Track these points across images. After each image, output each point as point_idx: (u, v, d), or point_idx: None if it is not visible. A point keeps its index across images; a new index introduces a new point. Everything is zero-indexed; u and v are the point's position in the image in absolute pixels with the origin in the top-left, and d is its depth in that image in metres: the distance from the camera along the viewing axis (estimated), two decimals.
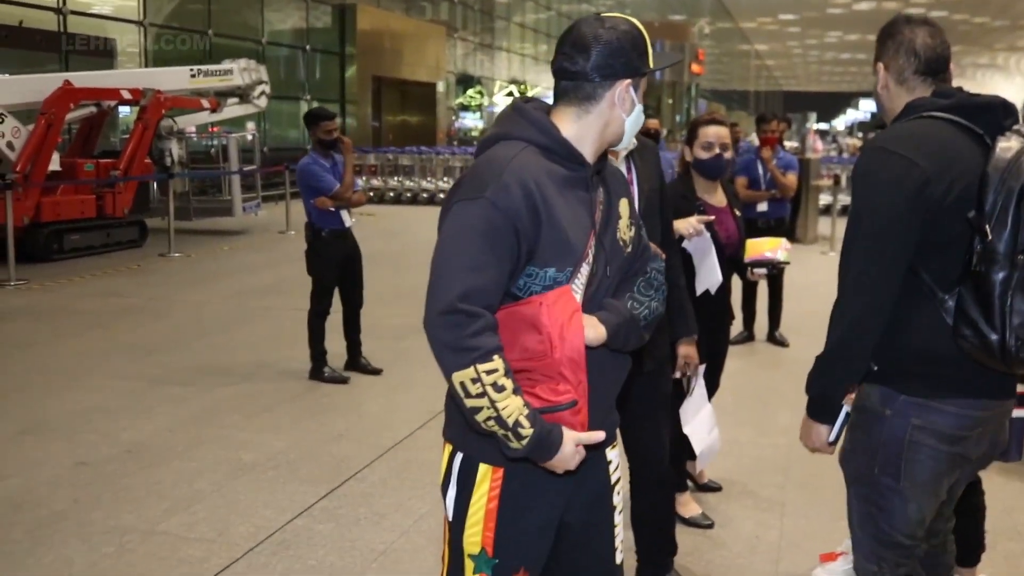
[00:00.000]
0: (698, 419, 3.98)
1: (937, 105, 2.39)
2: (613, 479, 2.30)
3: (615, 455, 2.32)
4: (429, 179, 21.49)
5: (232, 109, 16.03)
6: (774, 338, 8.04)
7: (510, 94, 38.03)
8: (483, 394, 1.94)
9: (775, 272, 4.39)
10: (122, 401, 6.12)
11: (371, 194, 20.24)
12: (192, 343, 7.63)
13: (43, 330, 8.20)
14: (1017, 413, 2.71)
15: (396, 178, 21.64)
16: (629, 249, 2.19)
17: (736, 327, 8.18)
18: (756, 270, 4.29)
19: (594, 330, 2.05)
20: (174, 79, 14.51)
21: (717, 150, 4.15)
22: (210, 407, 6.05)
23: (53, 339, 7.86)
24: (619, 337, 2.10)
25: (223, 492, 4.62)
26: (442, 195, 19.77)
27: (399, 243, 13.72)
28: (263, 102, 16.50)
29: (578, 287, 2.06)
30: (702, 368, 3.91)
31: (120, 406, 6.01)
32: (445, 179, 21.37)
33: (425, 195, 21.04)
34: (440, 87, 30.87)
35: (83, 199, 12.67)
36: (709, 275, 4.02)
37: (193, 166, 15.65)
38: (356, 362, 6.80)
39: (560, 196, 2.03)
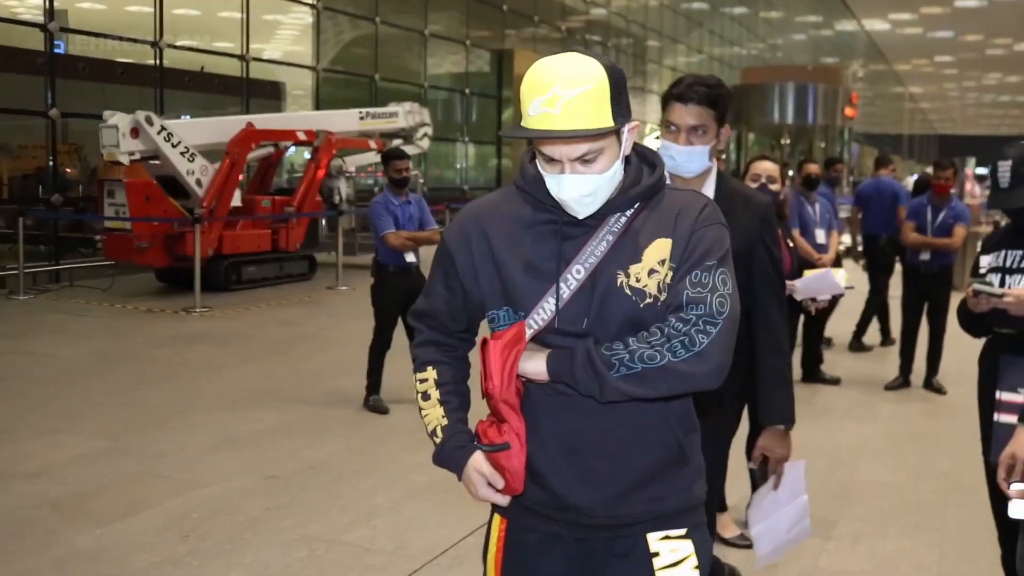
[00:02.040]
0: (778, 515, 3.29)
1: None
2: None
3: (669, 547, 2.04)
4: None
5: None
6: (931, 385, 8.01)
7: (658, 137, 38.23)
8: (416, 399, 2.12)
9: (835, 301, 4.73)
10: (302, 422, 6.61)
11: None
12: (354, 369, 8.11)
13: (227, 354, 8.84)
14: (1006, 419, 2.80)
15: None
16: (648, 301, 1.94)
17: (891, 372, 8.23)
18: (817, 299, 4.70)
19: (532, 362, 1.94)
20: (344, 121, 15.28)
21: (763, 181, 4.74)
22: (384, 430, 6.48)
23: (237, 363, 8.48)
24: (565, 373, 1.91)
25: (399, 509, 4.99)
26: None
27: None
28: (425, 143, 17.19)
29: (535, 323, 1.96)
30: (799, 465, 3.25)
31: (301, 426, 6.50)
32: None
33: None
34: None
35: (260, 234, 13.48)
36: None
37: (359, 204, 16.38)
38: None
39: (512, 236, 1.99)
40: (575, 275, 1.94)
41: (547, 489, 2.01)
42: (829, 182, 9.39)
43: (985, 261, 3.55)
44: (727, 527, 4.66)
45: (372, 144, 15.76)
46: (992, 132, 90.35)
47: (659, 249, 1.96)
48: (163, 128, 12.10)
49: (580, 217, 1.95)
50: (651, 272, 1.95)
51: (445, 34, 24.14)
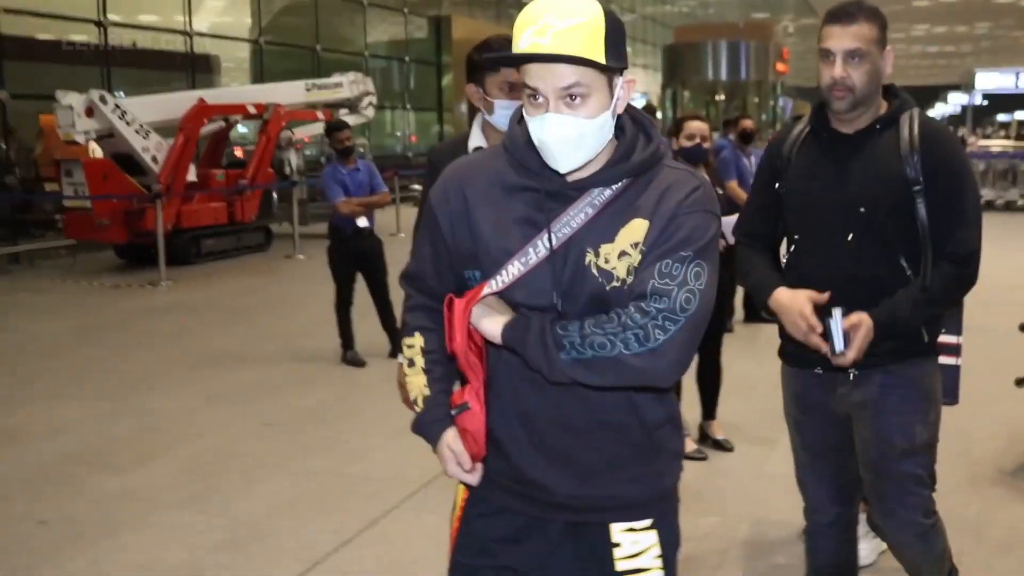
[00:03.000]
0: None
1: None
2: (620, 567, 1.99)
3: (631, 538, 1.99)
4: None
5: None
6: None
7: None
8: (402, 364, 2.11)
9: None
10: (286, 376, 7.09)
11: None
12: (327, 330, 8.54)
13: (201, 322, 9.26)
14: (945, 360, 3.00)
15: None
16: (615, 284, 1.85)
17: None
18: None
19: (489, 321, 1.88)
20: (291, 93, 15.60)
21: (698, 140, 5.15)
22: (364, 379, 6.99)
23: (212, 329, 8.91)
24: (517, 342, 1.85)
25: (392, 444, 5.49)
26: None
27: None
28: (370, 112, 17.54)
29: (496, 285, 1.89)
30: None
31: (285, 381, 6.98)
32: None
33: None
34: None
35: (216, 207, 13.81)
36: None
37: (309, 174, 16.72)
38: (398, 350, 7.60)
39: (491, 198, 1.93)
40: (544, 243, 1.86)
41: (505, 458, 1.98)
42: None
43: None
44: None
45: (319, 115, 16.07)
46: (921, 83, 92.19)
47: (634, 231, 1.85)
48: (117, 106, 12.36)
49: (562, 171, 1.85)
50: (621, 254, 1.85)
51: (382, 2, 24.39)
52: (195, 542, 4.24)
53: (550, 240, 1.85)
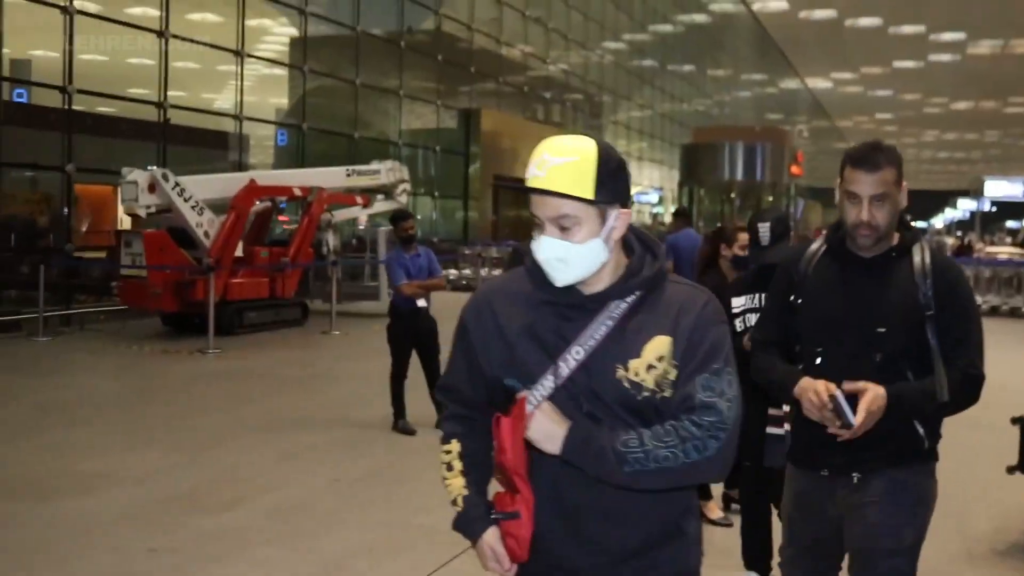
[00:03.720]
0: None
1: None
2: None
3: None
4: None
5: (377, 205, 18.00)
6: None
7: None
8: (441, 468, 2.27)
9: None
10: (343, 441, 7.74)
11: None
12: (372, 401, 9.20)
13: (252, 388, 9.95)
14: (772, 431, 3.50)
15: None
16: (645, 394, 2.06)
17: None
18: None
19: (547, 436, 2.04)
20: (333, 178, 16.50)
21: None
22: (416, 445, 7.64)
23: (265, 395, 9.59)
24: (577, 458, 2.03)
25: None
26: None
27: None
28: (404, 199, 18.38)
29: (535, 398, 2.07)
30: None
31: (343, 444, 7.63)
32: None
33: None
34: None
35: (259, 281, 14.60)
36: None
37: (345, 255, 17.55)
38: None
39: (515, 310, 2.15)
40: (575, 355, 2.07)
41: (542, 552, 2.12)
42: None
43: (738, 303, 4.52)
44: (713, 512, 5.86)
45: (359, 199, 16.96)
46: (931, 187, 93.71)
47: (658, 346, 2.07)
48: (177, 184, 13.23)
49: (557, 285, 2.09)
50: (649, 367, 2.06)
51: (416, 94, 25.54)
52: (289, 571, 4.88)
53: (580, 351, 2.07)
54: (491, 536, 2.14)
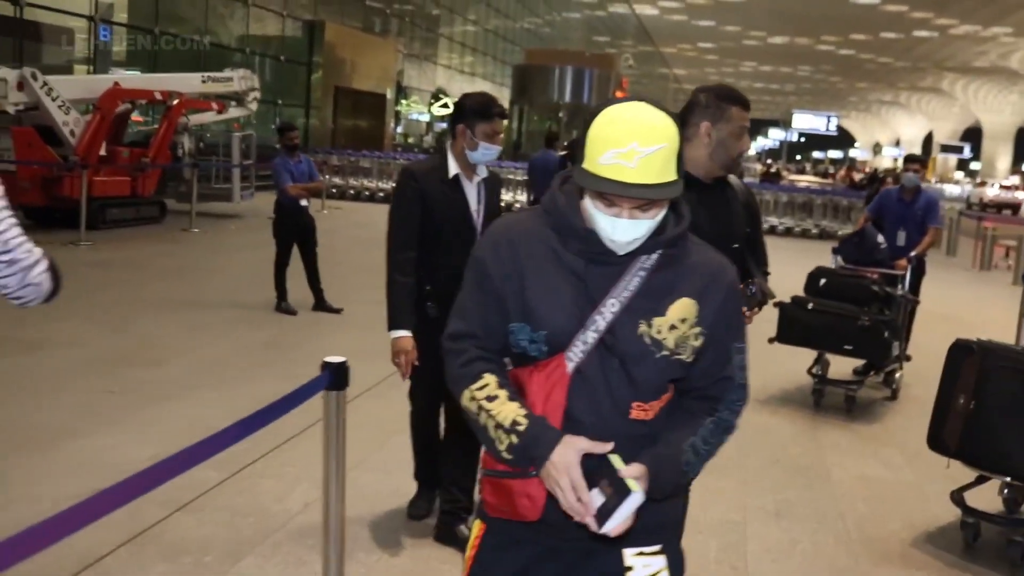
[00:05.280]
0: None
1: None
2: None
3: (642, 562, 2.12)
4: (388, 181, 24.32)
5: (230, 111, 18.88)
6: None
7: (444, 105, 41.19)
8: (480, 409, 2.03)
9: None
10: (238, 318, 9.03)
11: (334, 191, 23.18)
12: (249, 288, 10.43)
13: (137, 276, 11.04)
14: None
15: (355, 178, 24.54)
16: (664, 352, 2.02)
17: None
18: None
19: (633, 493, 1.89)
20: (190, 83, 17.26)
21: None
22: (300, 322, 9.00)
23: (152, 281, 10.71)
24: (657, 485, 1.99)
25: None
26: None
27: (366, 232, 16.68)
28: (254, 106, 19.31)
29: (573, 357, 2.02)
30: None
31: (239, 320, 8.92)
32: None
33: (381, 194, 23.86)
34: (389, 95, 33.93)
35: (121, 180, 15.38)
36: None
37: (201, 157, 18.38)
38: (321, 304, 9.67)
39: (541, 260, 2.05)
40: (611, 308, 2.00)
41: (549, 516, 2.03)
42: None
43: None
44: None
45: (214, 105, 17.79)
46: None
47: (683, 308, 2.03)
48: (45, 83, 13.85)
49: (620, 254, 2.00)
50: (672, 327, 2.02)
51: (263, 4, 26.07)
52: (229, 407, 6.24)
53: (616, 304, 2.01)
54: (569, 455, 1.93)
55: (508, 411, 2.00)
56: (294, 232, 9.49)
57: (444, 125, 39.37)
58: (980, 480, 5.13)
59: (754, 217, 3.65)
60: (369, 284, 10.00)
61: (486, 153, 4.16)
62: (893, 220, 8.50)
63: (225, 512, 4.65)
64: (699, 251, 2.13)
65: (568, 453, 1.92)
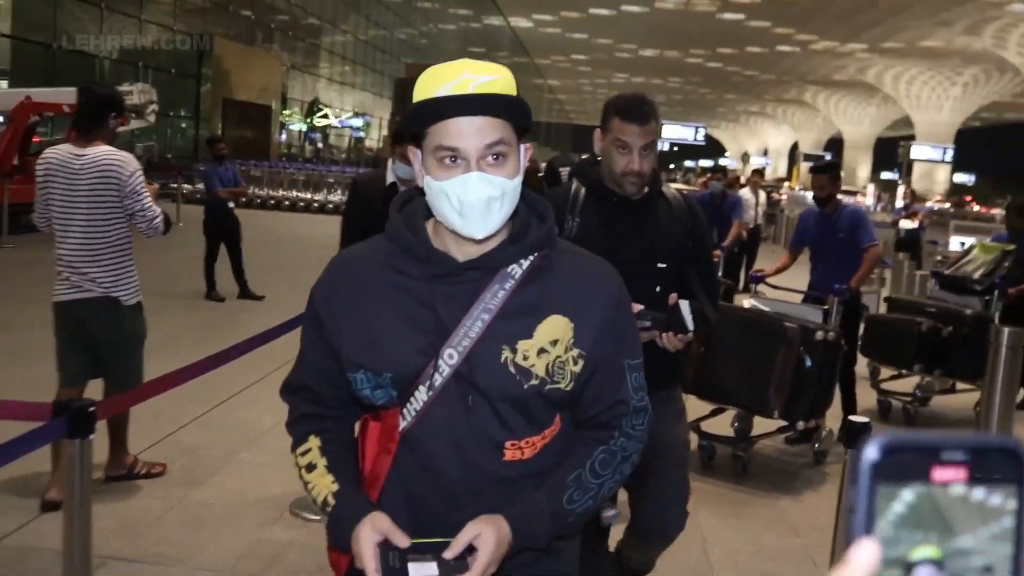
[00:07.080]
0: None
1: None
2: None
3: None
4: (278, 190, 25.51)
5: (131, 123, 19.92)
6: None
7: (324, 115, 42.37)
8: (301, 478, 1.85)
9: None
10: (171, 305, 10.29)
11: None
12: (176, 282, 11.67)
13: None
14: None
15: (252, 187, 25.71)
16: (533, 382, 1.73)
17: None
18: None
19: (490, 548, 1.65)
20: None
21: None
22: (227, 310, 10.36)
23: None
24: (527, 541, 1.73)
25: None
26: (287, 203, 24.16)
27: (270, 235, 18.02)
28: (152, 118, 20.41)
29: (408, 412, 1.77)
30: None
31: (171, 308, 10.19)
32: (291, 191, 25.69)
33: (272, 201, 25.02)
34: (274, 106, 35.07)
35: (30, 188, 16.23)
36: None
37: None
38: (245, 292, 11.19)
39: (380, 289, 1.79)
40: (467, 335, 1.73)
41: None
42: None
43: None
44: None
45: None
46: None
47: (553, 327, 1.75)
48: None
49: (479, 237, 1.70)
50: (541, 351, 1.74)
51: (157, 20, 27.09)
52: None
53: (466, 341, 1.73)
54: (371, 522, 1.70)
55: (322, 487, 1.81)
56: (221, 231, 10.91)
57: (316, 136, 40.51)
58: (715, 412, 6.39)
59: (697, 233, 3.34)
60: (280, 278, 11.65)
61: (407, 169, 4.44)
62: (818, 246, 7.04)
63: None
64: (573, 260, 1.86)
65: (364, 539, 1.68)
